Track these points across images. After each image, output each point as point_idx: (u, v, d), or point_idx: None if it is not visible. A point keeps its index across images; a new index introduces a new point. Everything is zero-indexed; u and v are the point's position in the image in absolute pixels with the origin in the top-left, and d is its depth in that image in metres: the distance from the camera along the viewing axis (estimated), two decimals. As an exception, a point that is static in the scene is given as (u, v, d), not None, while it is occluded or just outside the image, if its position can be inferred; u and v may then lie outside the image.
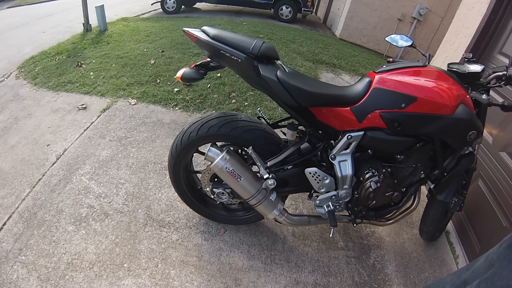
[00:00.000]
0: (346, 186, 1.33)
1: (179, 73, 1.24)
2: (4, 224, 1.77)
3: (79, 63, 4.02)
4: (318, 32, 7.37)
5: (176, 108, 3.04)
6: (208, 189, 1.53)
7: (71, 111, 2.97)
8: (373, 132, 1.23)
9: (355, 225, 1.49)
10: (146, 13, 7.91)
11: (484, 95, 1.32)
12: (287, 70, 1.25)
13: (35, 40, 5.54)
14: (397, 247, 1.82)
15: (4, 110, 3.10)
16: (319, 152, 1.36)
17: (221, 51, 1.16)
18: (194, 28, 1.27)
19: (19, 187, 2.04)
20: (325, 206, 1.39)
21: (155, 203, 1.92)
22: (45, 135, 2.62)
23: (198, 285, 1.47)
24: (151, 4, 8.06)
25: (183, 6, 8.15)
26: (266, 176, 1.33)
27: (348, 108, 1.21)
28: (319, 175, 1.33)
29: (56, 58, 4.32)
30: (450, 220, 1.94)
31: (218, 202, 1.64)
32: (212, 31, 1.20)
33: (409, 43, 1.57)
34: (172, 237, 1.69)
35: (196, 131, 1.36)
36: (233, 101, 3.17)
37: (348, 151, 1.27)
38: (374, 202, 1.38)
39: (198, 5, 8.80)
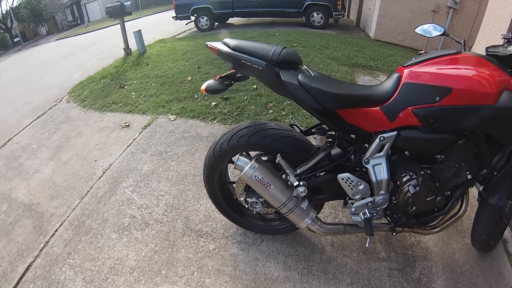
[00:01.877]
0: (382, 192, 1.30)
1: (204, 86, 1.33)
2: (56, 230, 2.04)
3: (122, 85, 4.48)
4: (352, 35, 7.35)
5: (214, 122, 3.21)
6: (242, 199, 1.58)
7: (115, 129, 3.31)
8: (408, 131, 1.19)
9: (394, 233, 1.41)
10: (182, 33, 8.62)
11: None
12: (312, 74, 1.28)
13: (82, 67, 6.34)
14: (446, 259, 1.68)
15: (58, 130, 3.57)
16: (352, 157, 1.33)
17: (242, 61, 1.24)
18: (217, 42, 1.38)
19: (70, 198, 2.33)
20: (361, 213, 1.36)
21: (193, 213, 2.03)
22: (92, 152, 2.95)
23: None
24: (186, 24, 8.78)
25: (216, 23, 8.74)
26: (296, 183, 1.34)
27: (378, 107, 1.20)
28: (352, 181, 1.32)
29: (101, 81, 4.88)
30: (508, 227, 1.74)
31: (254, 212, 1.69)
32: (232, 42, 1.29)
33: (441, 32, 1.52)
34: (209, 247, 1.77)
35: (227, 142, 1.43)
36: (270, 111, 3.26)
37: (382, 153, 1.25)
38: (414, 208, 1.32)
39: (230, 20, 9.32)
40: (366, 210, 1.35)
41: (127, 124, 3.35)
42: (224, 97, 3.58)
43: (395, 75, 1.22)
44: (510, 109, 1.11)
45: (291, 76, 1.21)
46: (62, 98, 4.68)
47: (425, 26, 1.55)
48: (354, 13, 9.78)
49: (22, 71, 8.77)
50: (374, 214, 1.36)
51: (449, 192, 1.34)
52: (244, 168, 1.37)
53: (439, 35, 1.51)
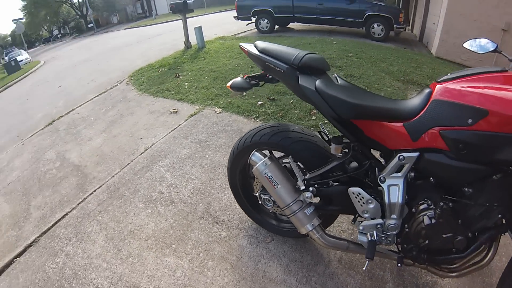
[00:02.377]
0: (394, 216, 1.21)
1: (229, 82, 1.42)
2: (95, 191, 2.37)
3: (177, 75, 4.87)
4: (413, 50, 7.00)
5: (257, 120, 3.33)
6: (257, 194, 1.64)
7: (164, 113, 3.64)
8: (431, 154, 1.10)
9: (400, 265, 1.30)
10: (242, 32, 9.06)
11: None
12: (338, 82, 1.30)
13: (145, 55, 7.07)
14: (460, 311, 1.50)
15: (114, 108, 4.03)
16: (368, 172, 1.29)
17: (267, 63, 1.32)
18: (249, 43, 1.49)
19: (112, 167, 2.67)
20: (368, 234, 1.29)
21: (216, 201, 2.17)
22: (140, 131, 3.29)
23: (228, 282, 1.59)
24: (246, 25, 9.19)
25: (276, 26, 9.01)
26: (302, 188, 1.36)
27: (401, 123, 1.13)
28: (363, 197, 1.26)
29: (159, 69, 5.38)
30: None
31: (270, 211, 1.73)
32: (261, 45, 1.37)
33: (493, 48, 1.41)
34: (221, 234, 1.89)
35: (250, 138, 1.51)
36: (313, 117, 3.30)
37: (400, 174, 1.17)
38: (426, 242, 1.20)
39: (291, 25, 9.51)
40: (375, 232, 1.28)
41: (175, 110, 3.65)
42: (271, 98, 3.70)
43: (426, 91, 1.14)
44: None
45: (309, 81, 1.24)
46: (123, 80, 5.28)
47: (476, 41, 1.47)
48: (418, 27, 9.28)
49: (92, 53, 10.01)
50: (383, 238, 1.28)
51: (475, 234, 1.17)
52: (256, 164, 1.44)
53: (491, 51, 1.43)
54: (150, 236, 1.90)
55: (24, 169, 3.02)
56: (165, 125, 3.34)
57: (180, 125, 3.29)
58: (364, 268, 1.35)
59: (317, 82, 1.23)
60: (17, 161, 3.29)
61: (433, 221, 1.12)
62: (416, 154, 1.12)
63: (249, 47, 1.43)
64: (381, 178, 1.20)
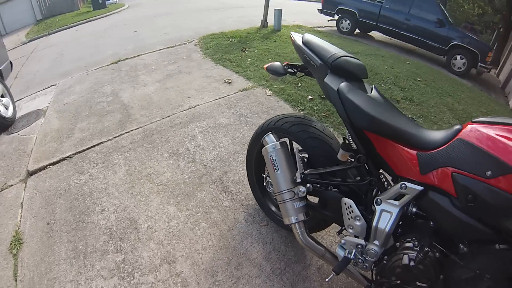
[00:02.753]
0: (376, 242, 1.17)
1: (267, 65, 1.48)
2: (132, 130, 2.64)
3: (244, 49, 5.00)
4: (489, 96, 6.29)
5: (301, 112, 3.35)
6: (264, 175, 1.72)
7: (218, 81, 3.81)
8: (436, 194, 1.02)
9: None
10: (322, 27, 8.84)
11: None
12: (371, 93, 1.26)
13: (221, 22, 7.31)
14: None
15: (176, 63, 4.31)
16: (367, 189, 1.27)
17: (305, 55, 1.36)
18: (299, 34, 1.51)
19: (154, 114, 2.91)
20: (347, 251, 1.25)
21: (232, 172, 2.28)
22: (190, 90, 3.50)
23: (211, 245, 1.73)
24: (328, 21, 8.93)
25: (357, 30, 8.67)
26: (298, 180, 1.39)
27: (415, 151, 1.07)
28: (352, 211, 1.23)
29: (229, 40, 5.55)
30: None
31: (274, 197, 1.76)
32: (307, 37, 1.40)
33: None
34: (224, 203, 2.00)
35: (274, 122, 1.57)
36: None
37: (397, 203, 1.11)
38: (398, 282, 1.13)
39: (372, 33, 9.05)
40: (354, 251, 1.24)
41: (229, 81, 3.79)
42: (323, 96, 3.66)
43: (455, 127, 1.07)
44: None
45: (335, 81, 1.24)
46: (193, 40, 5.57)
47: None
48: (506, 73, 8.18)
49: (173, 9, 10.60)
50: (360, 261, 1.23)
51: None
52: (267, 144, 1.49)
53: None
54: (163, 183, 2.08)
55: (81, 95, 3.43)
56: (215, 91, 3.50)
57: (228, 95, 3.43)
58: (326, 280, 1.36)
59: (342, 84, 1.22)
60: (77, 87, 3.74)
61: (412, 263, 1.04)
62: (419, 188, 1.06)
63: (296, 36, 1.46)
64: (378, 199, 1.16)
